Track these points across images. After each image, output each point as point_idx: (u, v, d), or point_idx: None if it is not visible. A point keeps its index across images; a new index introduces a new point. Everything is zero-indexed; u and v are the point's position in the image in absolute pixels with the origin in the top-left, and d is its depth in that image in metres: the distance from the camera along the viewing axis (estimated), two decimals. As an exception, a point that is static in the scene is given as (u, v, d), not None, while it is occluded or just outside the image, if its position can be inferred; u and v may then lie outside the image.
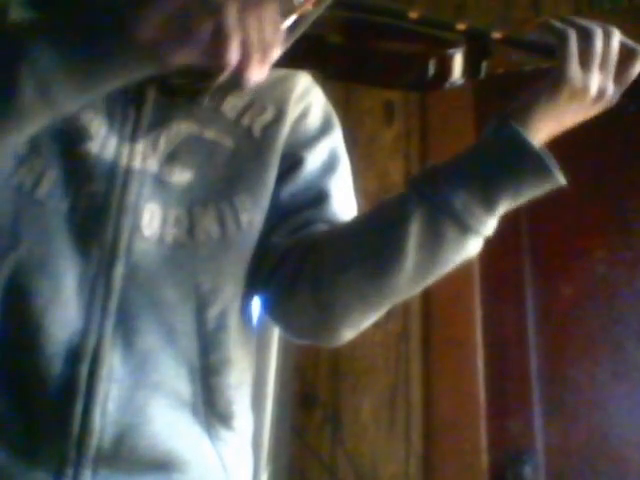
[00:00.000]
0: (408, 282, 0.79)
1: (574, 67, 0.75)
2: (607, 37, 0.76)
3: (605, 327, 1.84)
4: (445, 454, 1.78)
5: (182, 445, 0.77)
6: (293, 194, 0.88)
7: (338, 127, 0.96)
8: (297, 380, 1.91)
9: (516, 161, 0.75)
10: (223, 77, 0.62)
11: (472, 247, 0.78)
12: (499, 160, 0.76)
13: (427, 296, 1.85)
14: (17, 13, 0.78)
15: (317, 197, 0.88)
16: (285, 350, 1.82)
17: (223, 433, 0.81)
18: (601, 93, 0.77)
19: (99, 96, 0.69)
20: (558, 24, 0.77)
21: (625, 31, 0.79)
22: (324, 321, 0.83)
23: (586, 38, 0.76)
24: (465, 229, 0.76)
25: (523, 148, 0.75)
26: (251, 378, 0.88)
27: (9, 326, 0.73)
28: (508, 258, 1.91)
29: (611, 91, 0.77)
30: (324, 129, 0.94)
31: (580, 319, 1.86)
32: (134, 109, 0.81)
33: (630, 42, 0.78)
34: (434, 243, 0.77)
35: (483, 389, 1.81)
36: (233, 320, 0.82)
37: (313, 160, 0.90)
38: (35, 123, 0.65)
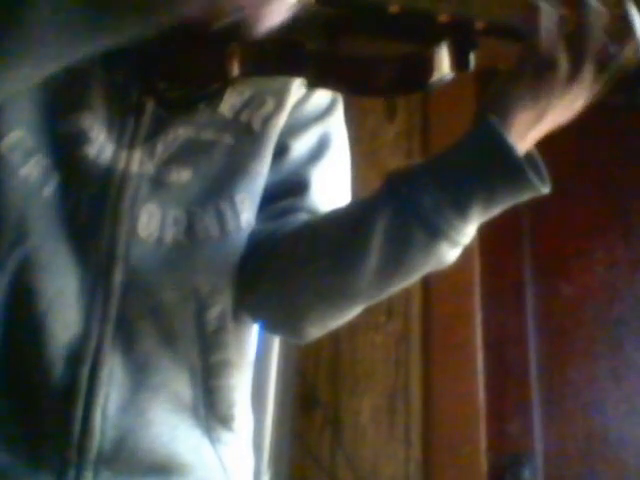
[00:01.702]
0: (371, 284, 0.74)
1: (541, 38, 0.68)
2: (587, 13, 0.68)
3: (605, 329, 1.84)
4: (445, 457, 1.78)
5: (182, 448, 0.77)
6: (275, 183, 0.85)
7: (337, 114, 0.93)
8: (297, 382, 1.90)
9: (486, 160, 0.68)
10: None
11: (447, 255, 0.72)
12: (470, 158, 0.70)
13: (427, 298, 1.86)
14: None
15: (297, 186, 0.85)
16: (286, 352, 1.81)
17: (224, 435, 0.81)
18: (574, 73, 0.67)
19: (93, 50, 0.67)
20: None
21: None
22: (287, 315, 0.81)
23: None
24: (435, 233, 0.70)
25: (495, 145, 0.68)
26: (250, 378, 0.88)
27: (13, 323, 0.73)
28: (508, 259, 1.91)
29: (589, 75, 0.68)
30: (320, 115, 0.91)
31: (580, 320, 1.87)
32: (133, 120, 0.80)
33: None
34: (400, 244, 0.71)
35: (483, 391, 1.82)
36: (233, 321, 0.81)
37: (299, 148, 0.87)
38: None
